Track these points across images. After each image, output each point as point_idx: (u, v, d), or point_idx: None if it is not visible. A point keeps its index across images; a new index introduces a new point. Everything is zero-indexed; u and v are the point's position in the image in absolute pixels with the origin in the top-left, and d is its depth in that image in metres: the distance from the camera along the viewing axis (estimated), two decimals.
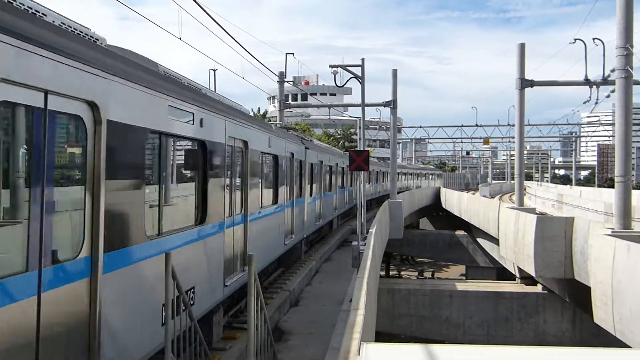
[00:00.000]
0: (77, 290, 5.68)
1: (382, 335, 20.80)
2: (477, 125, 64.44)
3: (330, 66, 23.48)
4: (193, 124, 8.87)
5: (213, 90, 14.09)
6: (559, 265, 16.94)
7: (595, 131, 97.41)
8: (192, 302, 8.54)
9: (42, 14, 6.42)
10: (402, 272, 54.03)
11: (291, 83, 32.92)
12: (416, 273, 53.88)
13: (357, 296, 8.53)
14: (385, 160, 59.58)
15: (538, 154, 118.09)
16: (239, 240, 11.84)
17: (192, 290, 8.65)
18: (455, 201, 41.96)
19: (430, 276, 48.58)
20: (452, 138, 75.17)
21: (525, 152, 27.29)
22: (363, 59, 22.67)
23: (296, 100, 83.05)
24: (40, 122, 5.21)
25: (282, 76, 28.88)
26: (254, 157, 12.77)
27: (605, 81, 24.02)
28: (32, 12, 6.11)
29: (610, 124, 78.94)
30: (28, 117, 5.14)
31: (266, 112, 71.45)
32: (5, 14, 4.89)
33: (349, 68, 23.28)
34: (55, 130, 5.55)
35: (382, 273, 38.40)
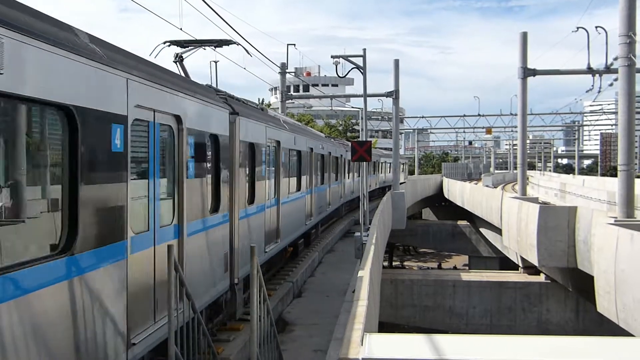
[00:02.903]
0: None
1: (386, 326, 20.86)
2: (479, 115, 64.23)
3: (332, 56, 23.46)
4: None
5: (216, 83, 14.57)
6: (562, 255, 16.92)
7: (598, 120, 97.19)
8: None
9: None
10: (405, 263, 54.11)
11: (293, 74, 32.84)
12: (420, 263, 53.94)
13: (359, 287, 8.54)
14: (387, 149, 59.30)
15: (541, 143, 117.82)
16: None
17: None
18: (458, 191, 41.93)
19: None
20: (454, 128, 74.94)
21: (527, 141, 27.23)
22: (365, 49, 22.59)
23: (298, 91, 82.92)
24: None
25: (283, 67, 28.81)
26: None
27: (608, 69, 23.90)
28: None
29: (613, 113, 78.64)
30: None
31: (270, 103, 71.40)
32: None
33: (350, 58, 23.21)
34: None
35: (385, 264, 38.46)
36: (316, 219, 22.52)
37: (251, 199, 12.53)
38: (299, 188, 18.60)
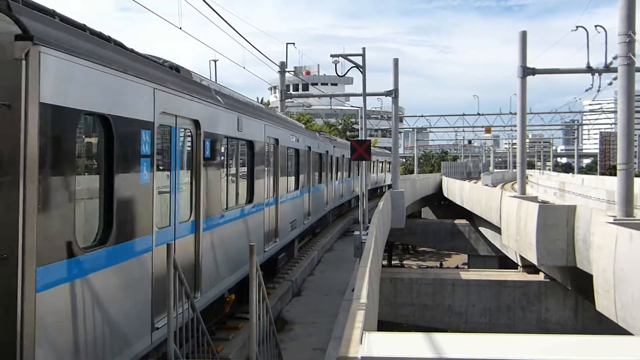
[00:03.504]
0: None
1: (385, 324, 20.87)
2: (479, 114, 64.21)
3: (332, 55, 23.42)
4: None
5: (214, 81, 13.53)
6: (561, 254, 16.93)
7: (597, 119, 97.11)
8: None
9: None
10: (404, 261, 54.14)
11: (292, 73, 32.80)
12: (419, 262, 53.94)
13: (359, 285, 8.53)
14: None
15: (540, 142, 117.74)
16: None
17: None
18: (457, 190, 41.94)
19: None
20: (453, 127, 74.89)
21: (527, 140, 27.19)
22: (364, 48, 22.60)
23: (297, 90, 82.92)
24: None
25: (283, 66, 28.79)
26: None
27: (608, 68, 23.91)
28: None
29: (612, 112, 78.61)
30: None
31: (269, 102, 71.45)
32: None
33: (350, 57, 23.21)
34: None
35: (385, 262, 38.46)
36: (286, 239, 16.78)
37: (105, 233, 6.47)
38: (250, 199, 12.64)
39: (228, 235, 10.80)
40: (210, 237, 9.70)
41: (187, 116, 8.91)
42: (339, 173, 29.56)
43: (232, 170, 11.66)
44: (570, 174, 77.80)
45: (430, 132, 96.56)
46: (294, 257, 19.56)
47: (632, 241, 11.50)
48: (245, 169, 12.66)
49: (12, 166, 5.24)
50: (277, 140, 15.42)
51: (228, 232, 10.81)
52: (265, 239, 14.02)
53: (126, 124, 6.87)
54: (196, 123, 9.23)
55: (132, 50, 7.88)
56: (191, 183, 9.13)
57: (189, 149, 9.16)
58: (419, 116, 68.71)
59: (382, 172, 50.28)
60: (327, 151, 25.78)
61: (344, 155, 30.43)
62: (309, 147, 20.99)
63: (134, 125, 7.10)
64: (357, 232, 18.51)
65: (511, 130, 74.93)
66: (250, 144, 12.67)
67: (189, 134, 9.11)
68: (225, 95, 11.35)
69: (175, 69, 9.44)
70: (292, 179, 18.02)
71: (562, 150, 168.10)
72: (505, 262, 31.06)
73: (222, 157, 10.62)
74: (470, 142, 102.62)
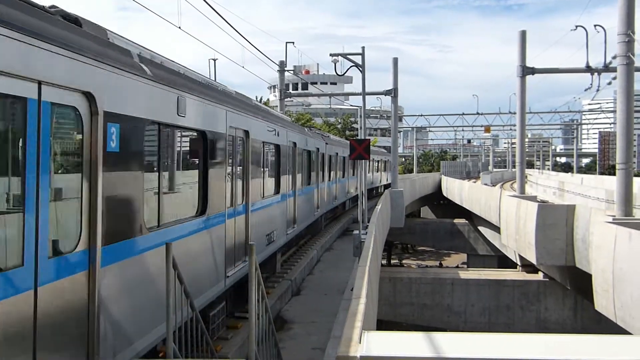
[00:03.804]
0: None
1: (384, 324, 20.87)
2: (478, 113, 64.27)
3: (331, 55, 23.41)
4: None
5: (214, 79, 12.61)
6: (560, 253, 16.94)
7: (596, 118, 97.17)
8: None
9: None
10: (404, 261, 54.16)
11: (291, 72, 32.80)
12: (419, 261, 53.94)
13: (358, 285, 8.53)
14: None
15: (539, 141, 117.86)
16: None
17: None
18: (457, 189, 41.93)
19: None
20: (453, 126, 74.93)
21: (526, 140, 27.20)
22: (363, 48, 22.60)
23: (297, 89, 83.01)
24: None
25: (282, 65, 28.80)
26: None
27: (607, 68, 23.92)
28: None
29: (611, 111, 78.69)
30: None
31: (268, 101, 71.52)
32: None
33: (349, 57, 23.20)
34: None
35: (384, 262, 38.47)
36: (261, 255, 13.31)
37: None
38: (203, 209, 9.30)
39: (155, 266, 7.25)
40: (119, 273, 6.40)
41: (68, 85, 5.63)
42: (332, 173, 27.14)
43: (169, 171, 8.46)
44: (570, 173, 77.85)
45: (429, 131, 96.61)
46: (275, 273, 16.78)
47: (631, 241, 11.50)
48: (195, 169, 9.42)
49: None
50: (246, 132, 12.03)
51: (156, 260, 7.23)
52: (226, 261, 10.42)
53: None
54: (89, 97, 5.97)
55: None
56: (82, 190, 5.93)
57: (76, 137, 5.94)
58: (419, 115, 68.78)
59: (377, 171, 48.81)
60: (318, 148, 23.28)
61: (337, 154, 29.08)
62: (294, 143, 18.03)
63: None
64: (356, 232, 18.50)
65: (510, 129, 74.99)
66: (202, 135, 9.31)
67: (74, 114, 5.85)
68: (159, 66, 8.21)
69: (74, 20, 6.39)
70: (270, 180, 14.95)
71: (561, 149, 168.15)
72: (504, 262, 31.06)
73: (147, 152, 7.39)
74: (469, 141, 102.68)
